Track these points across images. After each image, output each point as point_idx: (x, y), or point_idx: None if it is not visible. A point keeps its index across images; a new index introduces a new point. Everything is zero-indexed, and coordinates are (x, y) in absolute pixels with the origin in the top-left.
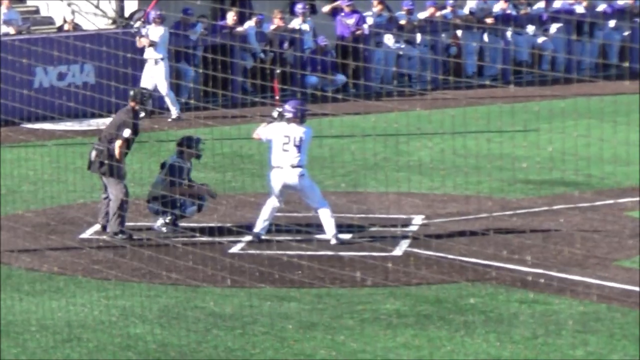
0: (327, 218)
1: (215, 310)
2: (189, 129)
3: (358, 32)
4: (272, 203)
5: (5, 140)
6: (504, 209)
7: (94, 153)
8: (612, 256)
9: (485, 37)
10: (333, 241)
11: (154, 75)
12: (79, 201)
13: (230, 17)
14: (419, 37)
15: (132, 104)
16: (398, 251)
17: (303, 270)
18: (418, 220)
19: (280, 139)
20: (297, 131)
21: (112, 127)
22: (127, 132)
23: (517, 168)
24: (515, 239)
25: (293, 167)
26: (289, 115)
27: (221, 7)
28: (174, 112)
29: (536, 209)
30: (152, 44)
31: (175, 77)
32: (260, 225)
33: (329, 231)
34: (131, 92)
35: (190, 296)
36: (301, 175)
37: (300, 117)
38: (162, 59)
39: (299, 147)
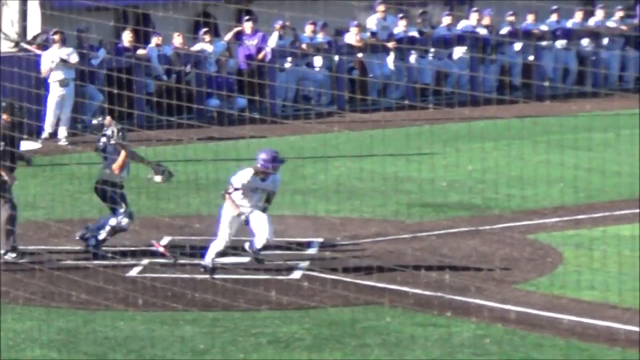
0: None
1: (111, 334)
2: (85, 151)
3: (260, 56)
4: (223, 239)
5: None
6: (402, 231)
7: None
8: (511, 279)
9: (390, 60)
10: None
11: (63, 96)
12: None
13: (126, 39)
14: (320, 60)
15: (4, 116)
16: (296, 274)
17: (199, 293)
18: (316, 243)
19: (250, 188)
20: (268, 184)
21: None
22: None
23: (419, 191)
24: (414, 262)
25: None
26: (264, 168)
27: (123, 26)
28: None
29: (436, 232)
30: (64, 61)
31: (80, 97)
32: (210, 256)
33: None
34: (3, 104)
35: (87, 319)
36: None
37: (275, 169)
38: (72, 79)
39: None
